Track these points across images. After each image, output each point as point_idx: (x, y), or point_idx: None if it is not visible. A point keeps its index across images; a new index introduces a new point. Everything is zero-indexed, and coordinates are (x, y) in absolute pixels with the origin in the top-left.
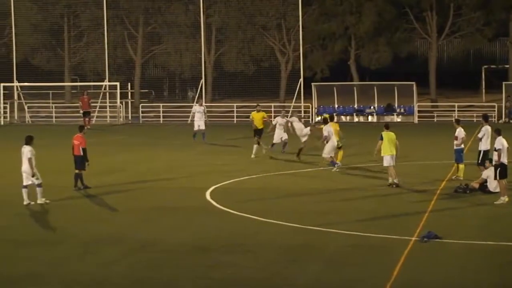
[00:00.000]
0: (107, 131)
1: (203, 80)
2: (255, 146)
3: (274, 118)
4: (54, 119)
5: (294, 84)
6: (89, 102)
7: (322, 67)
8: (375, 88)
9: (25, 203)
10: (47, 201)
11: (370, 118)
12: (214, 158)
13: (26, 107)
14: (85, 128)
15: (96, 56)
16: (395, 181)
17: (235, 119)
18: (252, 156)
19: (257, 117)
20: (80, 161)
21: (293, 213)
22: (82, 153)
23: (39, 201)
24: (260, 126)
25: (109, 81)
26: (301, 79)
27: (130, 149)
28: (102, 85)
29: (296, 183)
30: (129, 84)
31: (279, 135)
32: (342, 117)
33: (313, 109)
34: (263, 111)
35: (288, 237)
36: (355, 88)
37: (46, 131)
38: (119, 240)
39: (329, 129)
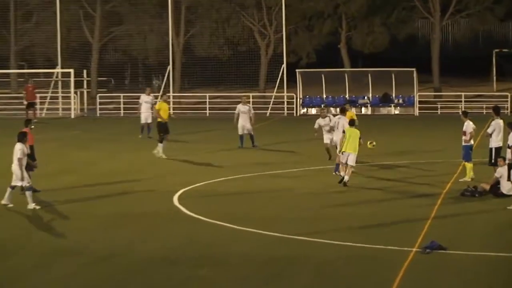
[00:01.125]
0: (59, 125)
1: (170, 66)
2: (160, 144)
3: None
4: None
5: (276, 71)
6: (34, 91)
7: (308, 51)
8: (369, 75)
9: (3, 202)
10: (38, 207)
11: (363, 110)
12: (182, 156)
13: None
14: (32, 121)
15: (46, 39)
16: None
17: (207, 111)
18: (162, 156)
19: (165, 108)
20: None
21: (275, 220)
22: (29, 151)
23: (29, 207)
24: (167, 119)
25: (61, 68)
26: (284, 65)
27: (87, 146)
28: (53, 73)
29: (278, 185)
30: (84, 71)
31: (242, 126)
32: (332, 108)
33: (298, 99)
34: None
35: (269, 248)
36: (346, 76)
37: None
38: (76, 251)
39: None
